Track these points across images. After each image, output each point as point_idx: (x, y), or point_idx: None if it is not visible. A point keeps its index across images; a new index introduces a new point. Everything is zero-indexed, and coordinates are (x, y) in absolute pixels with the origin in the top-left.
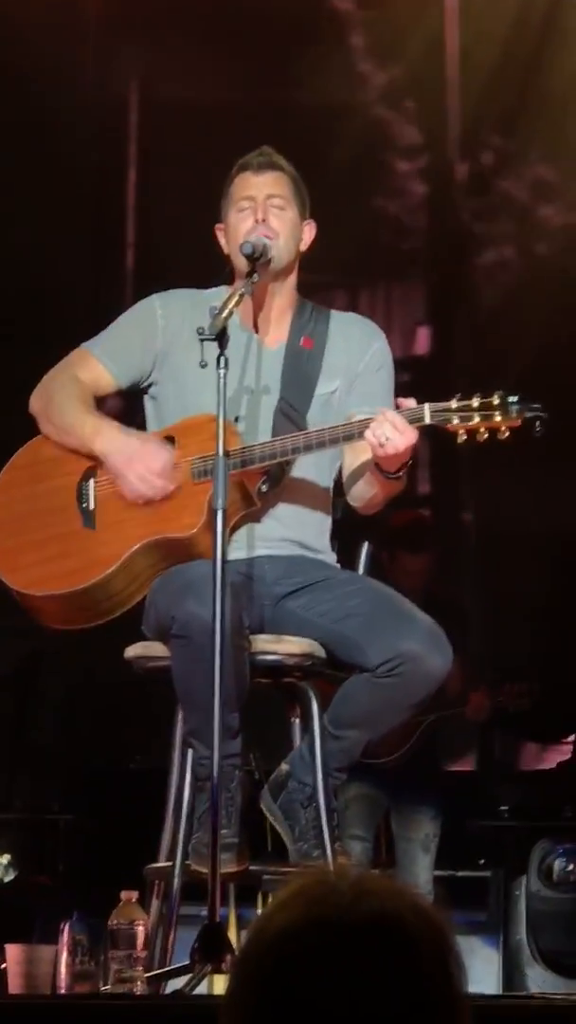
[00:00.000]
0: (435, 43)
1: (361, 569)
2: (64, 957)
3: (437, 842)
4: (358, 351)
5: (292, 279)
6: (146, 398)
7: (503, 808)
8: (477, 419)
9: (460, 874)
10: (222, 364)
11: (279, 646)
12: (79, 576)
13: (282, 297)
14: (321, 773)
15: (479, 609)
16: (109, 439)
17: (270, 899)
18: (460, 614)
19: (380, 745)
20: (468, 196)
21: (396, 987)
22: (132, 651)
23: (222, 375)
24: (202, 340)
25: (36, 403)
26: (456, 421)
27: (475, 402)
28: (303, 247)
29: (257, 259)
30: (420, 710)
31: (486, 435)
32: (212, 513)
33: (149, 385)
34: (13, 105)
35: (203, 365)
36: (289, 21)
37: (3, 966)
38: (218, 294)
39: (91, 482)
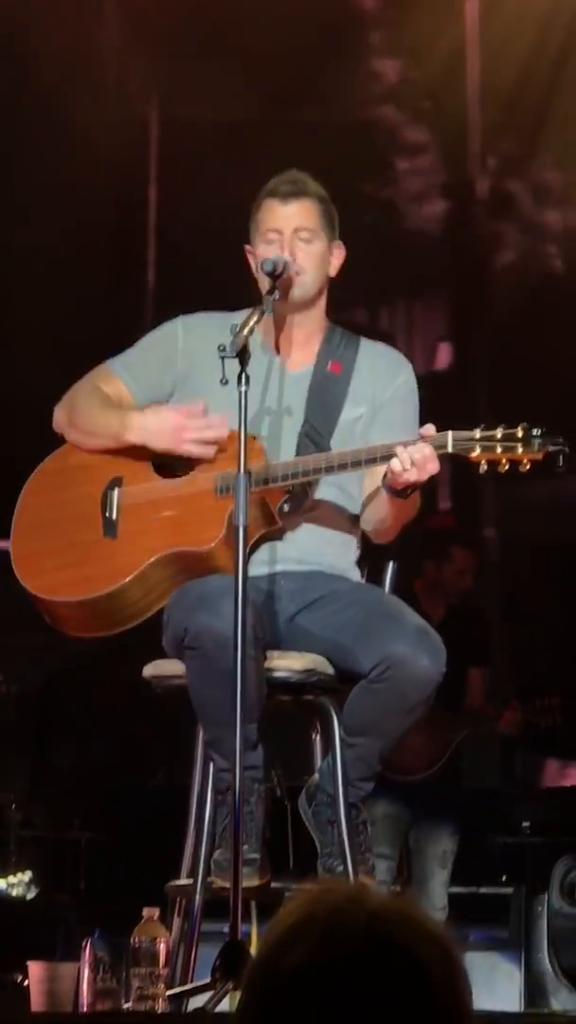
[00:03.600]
0: (456, 62)
1: (387, 588)
2: (86, 974)
3: (454, 859)
4: (384, 380)
5: (320, 304)
6: None
7: (525, 825)
8: (499, 450)
9: (482, 891)
10: (243, 382)
11: (282, 662)
12: (95, 584)
13: (309, 323)
14: (342, 784)
15: (502, 623)
16: (140, 427)
17: (275, 922)
18: (483, 627)
19: (414, 760)
20: (488, 212)
21: (409, 1014)
22: (148, 670)
23: (243, 392)
24: (222, 358)
25: (60, 414)
26: (478, 451)
27: (498, 433)
28: (332, 272)
29: (278, 276)
30: (420, 715)
31: (507, 466)
32: (232, 528)
33: None
34: (35, 125)
35: (224, 382)
36: (308, 39)
37: (25, 983)
38: (244, 315)
39: (116, 491)
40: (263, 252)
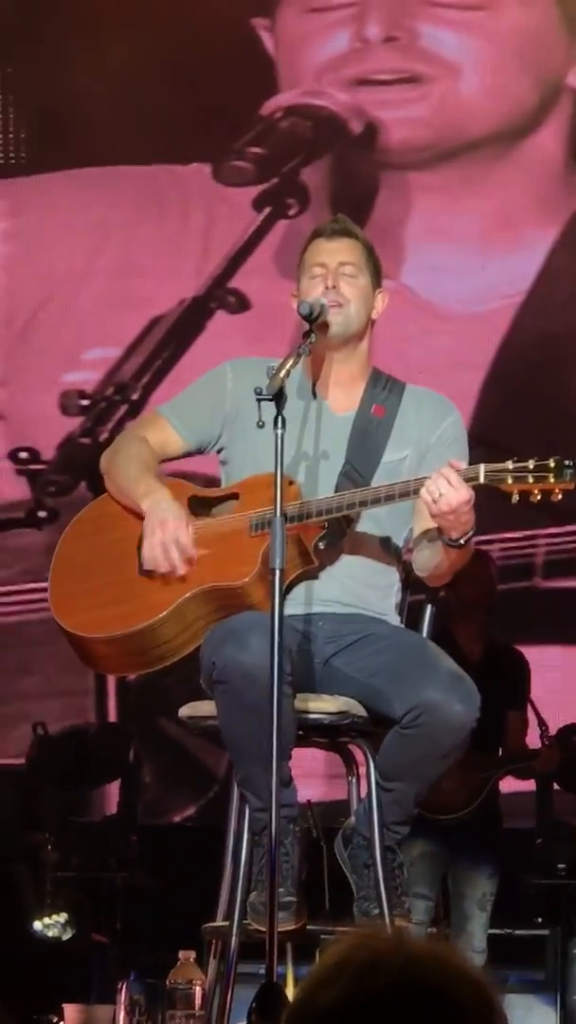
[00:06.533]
0: None
1: (424, 632)
2: (122, 1017)
3: (493, 901)
4: (431, 424)
5: (363, 346)
6: (219, 461)
7: (560, 866)
8: (531, 480)
9: (517, 933)
10: (279, 424)
11: (314, 704)
12: (130, 620)
13: (353, 364)
14: (378, 828)
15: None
16: (155, 501)
17: (315, 965)
18: (522, 670)
19: (452, 799)
20: None
21: None
22: (184, 711)
23: (280, 435)
24: (259, 400)
25: (104, 462)
26: (510, 482)
27: (531, 464)
28: (375, 315)
29: (314, 320)
30: (455, 759)
31: (539, 496)
32: (267, 565)
33: (220, 449)
34: None
35: (260, 425)
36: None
37: None
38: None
39: None
40: (307, 288)
